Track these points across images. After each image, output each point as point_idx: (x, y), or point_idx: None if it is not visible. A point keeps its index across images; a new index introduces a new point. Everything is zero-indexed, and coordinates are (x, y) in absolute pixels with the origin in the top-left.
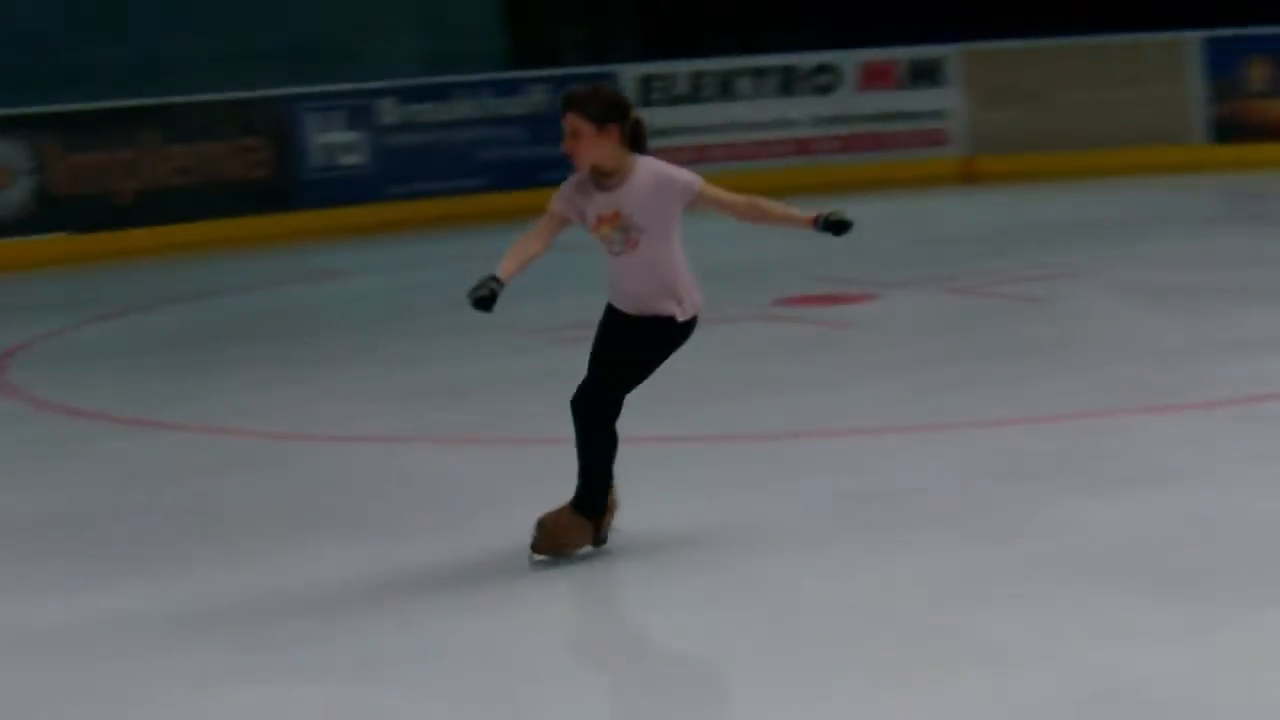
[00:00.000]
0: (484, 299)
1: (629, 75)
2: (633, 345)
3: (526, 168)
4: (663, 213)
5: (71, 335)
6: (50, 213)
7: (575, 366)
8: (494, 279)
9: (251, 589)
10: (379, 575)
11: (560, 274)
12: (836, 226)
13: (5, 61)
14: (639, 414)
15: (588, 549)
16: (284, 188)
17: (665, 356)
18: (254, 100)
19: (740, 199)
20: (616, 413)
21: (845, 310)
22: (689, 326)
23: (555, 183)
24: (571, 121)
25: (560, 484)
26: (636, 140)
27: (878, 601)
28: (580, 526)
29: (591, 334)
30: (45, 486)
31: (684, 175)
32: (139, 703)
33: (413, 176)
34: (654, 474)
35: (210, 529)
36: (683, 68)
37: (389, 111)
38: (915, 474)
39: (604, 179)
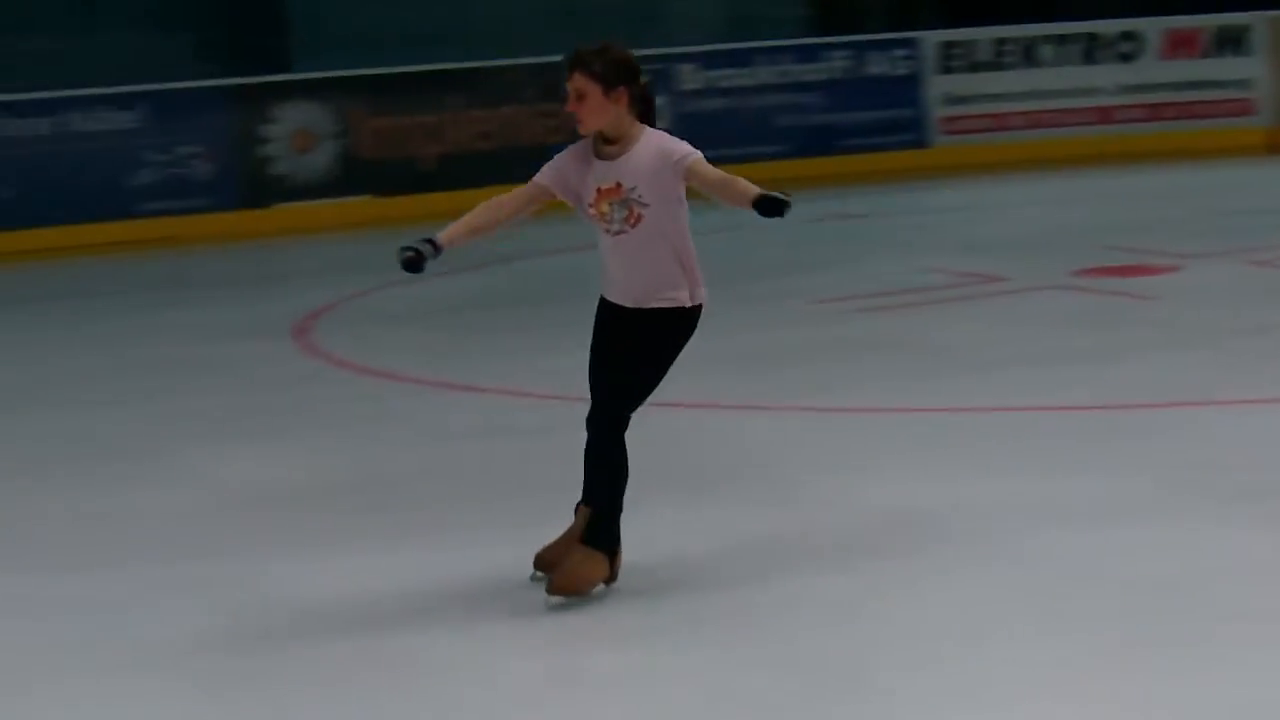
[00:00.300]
0: (411, 260)
1: (930, 42)
2: (640, 352)
3: (826, 135)
4: (664, 188)
5: (374, 298)
6: (354, 176)
7: (872, 336)
8: (429, 241)
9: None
10: (682, 540)
11: (857, 241)
12: (768, 205)
13: (312, 26)
14: (947, 386)
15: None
16: None
17: (677, 354)
18: (556, 65)
19: (722, 177)
20: (625, 429)
21: (1147, 282)
22: (696, 314)
23: (855, 150)
24: (577, 82)
25: (864, 453)
26: (645, 108)
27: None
28: (596, 562)
29: (887, 304)
30: (352, 446)
31: (681, 147)
32: (476, 669)
33: (712, 142)
34: (979, 444)
35: (526, 489)
36: (984, 34)
37: (689, 77)
38: (1244, 447)
39: (606, 147)
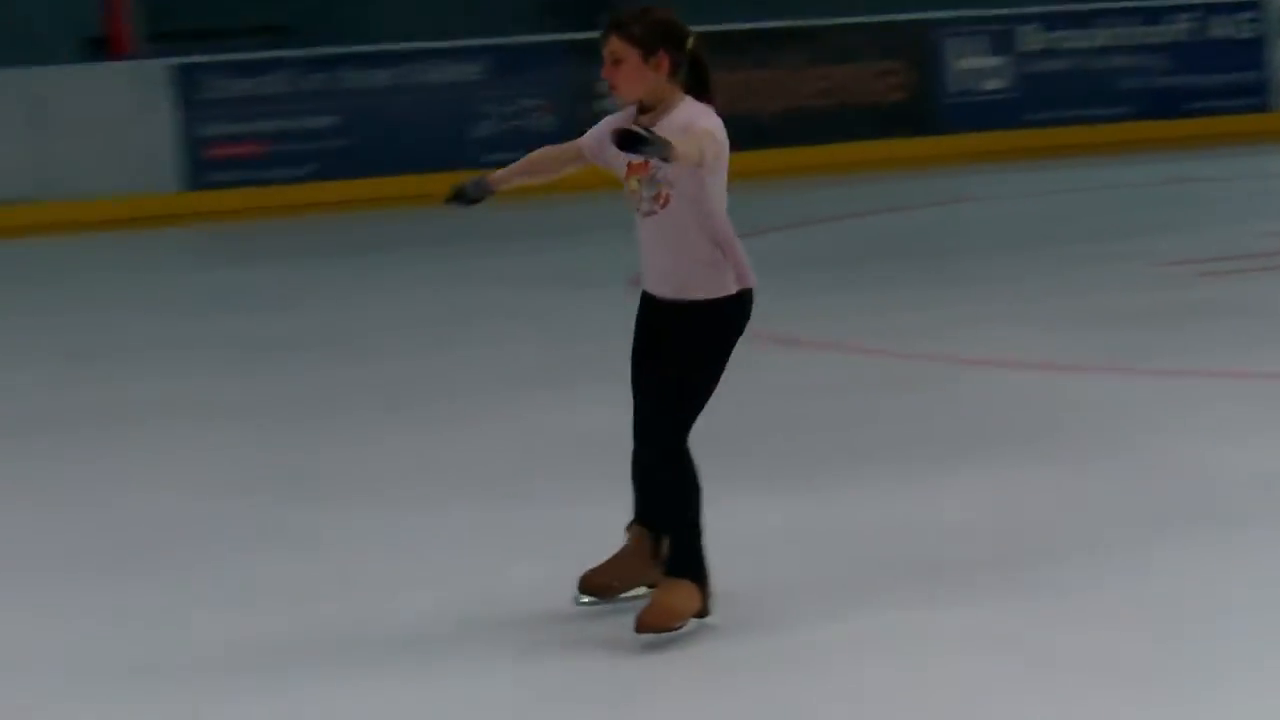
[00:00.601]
0: (461, 192)
1: (1276, 5)
2: (686, 354)
3: (1170, 97)
4: (695, 172)
5: None
6: None
7: (1215, 300)
8: (484, 180)
9: (927, 507)
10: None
11: (1199, 205)
12: (625, 138)
13: None
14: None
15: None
16: (923, 112)
17: (728, 349)
18: (896, 24)
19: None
20: (684, 442)
21: None
22: (745, 301)
23: (1197, 114)
24: (614, 46)
25: (1215, 417)
26: (696, 77)
27: None
28: (686, 593)
29: (1229, 269)
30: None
31: (700, 121)
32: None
33: (1054, 103)
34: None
35: (878, 447)
36: None
37: (1031, 38)
38: None
39: (641, 117)
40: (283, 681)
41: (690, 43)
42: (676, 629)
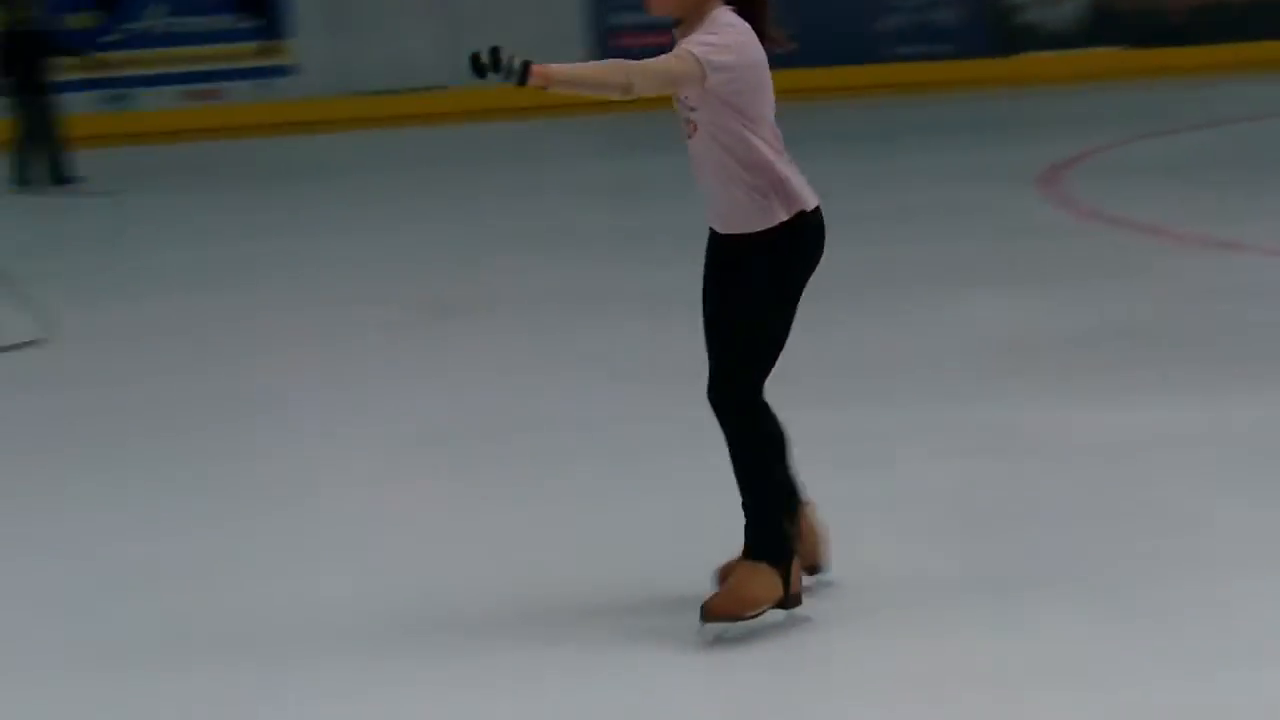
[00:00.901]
0: (473, 61)
1: None
2: (739, 296)
3: None
4: (701, 91)
5: (1122, 150)
6: (1105, 27)
7: None
8: (522, 63)
9: None
10: None
11: None
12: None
13: None
14: None
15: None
16: None
17: (793, 285)
18: None
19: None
20: (757, 398)
21: None
22: (801, 229)
23: None
24: None
25: None
26: None
27: None
28: (763, 579)
29: None
30: (1100, 297)
31: (695, 42)
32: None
33: None
34: None
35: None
36: None
37: None
38: None
39: (675, 31)
40: None
41: None
42: (748, 618)
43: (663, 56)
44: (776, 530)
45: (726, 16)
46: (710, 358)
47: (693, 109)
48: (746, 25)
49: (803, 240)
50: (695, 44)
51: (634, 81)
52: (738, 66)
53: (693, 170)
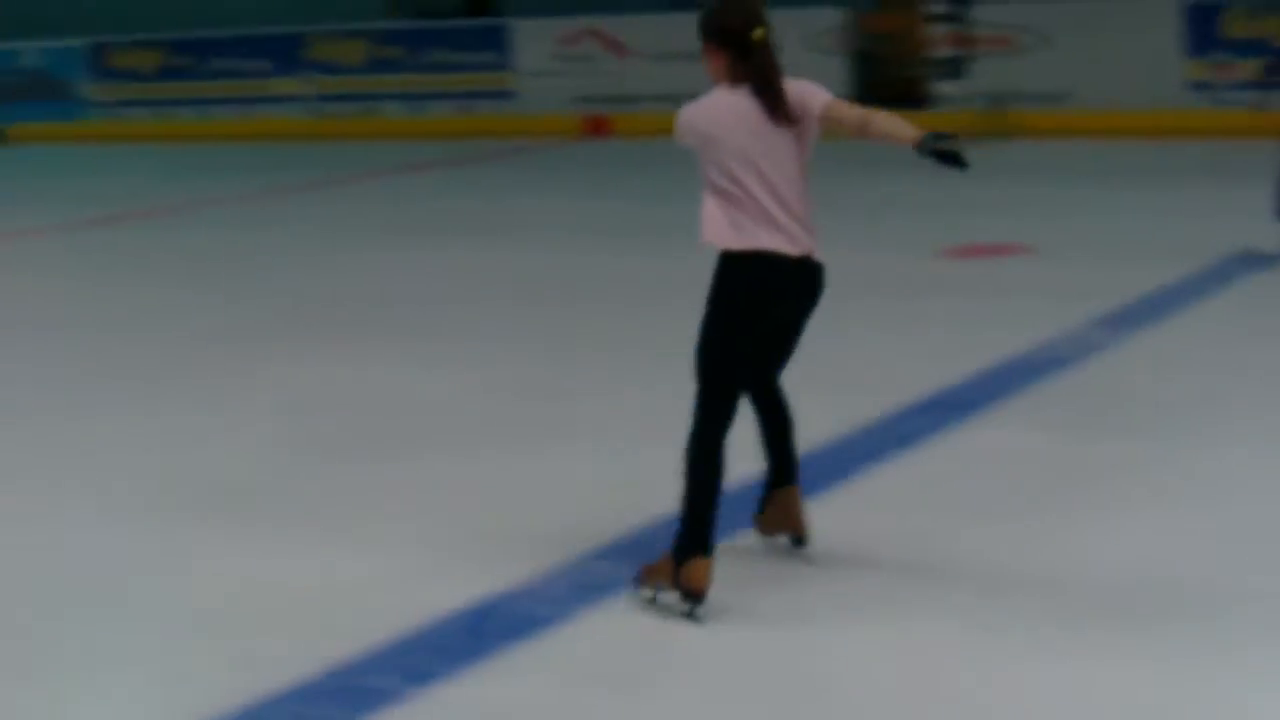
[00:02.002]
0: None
1: None
2: (707, 305)
3: None
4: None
5: None
6: None
7: None
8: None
9: None
10: None
11: None
12: (944, 155)
13: None
14: None
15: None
16: None
17: (735, 311)
18: None
19: None
20: (713, 411)
21: None
22: (746, 261)
23: None
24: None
25: None
26: (755, 73)
27: None
28: (661, 566)
29: None
30: None
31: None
32: None
33: None
34: None
35: None
36: None
37: None
38: None
39: None
40: None
41: (756, 34)
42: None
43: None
44: (688, 531)
45: (715, 93)
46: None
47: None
48: (728, 101)
49: (742, 273)
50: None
51: None
52: (679, 130)
53: None
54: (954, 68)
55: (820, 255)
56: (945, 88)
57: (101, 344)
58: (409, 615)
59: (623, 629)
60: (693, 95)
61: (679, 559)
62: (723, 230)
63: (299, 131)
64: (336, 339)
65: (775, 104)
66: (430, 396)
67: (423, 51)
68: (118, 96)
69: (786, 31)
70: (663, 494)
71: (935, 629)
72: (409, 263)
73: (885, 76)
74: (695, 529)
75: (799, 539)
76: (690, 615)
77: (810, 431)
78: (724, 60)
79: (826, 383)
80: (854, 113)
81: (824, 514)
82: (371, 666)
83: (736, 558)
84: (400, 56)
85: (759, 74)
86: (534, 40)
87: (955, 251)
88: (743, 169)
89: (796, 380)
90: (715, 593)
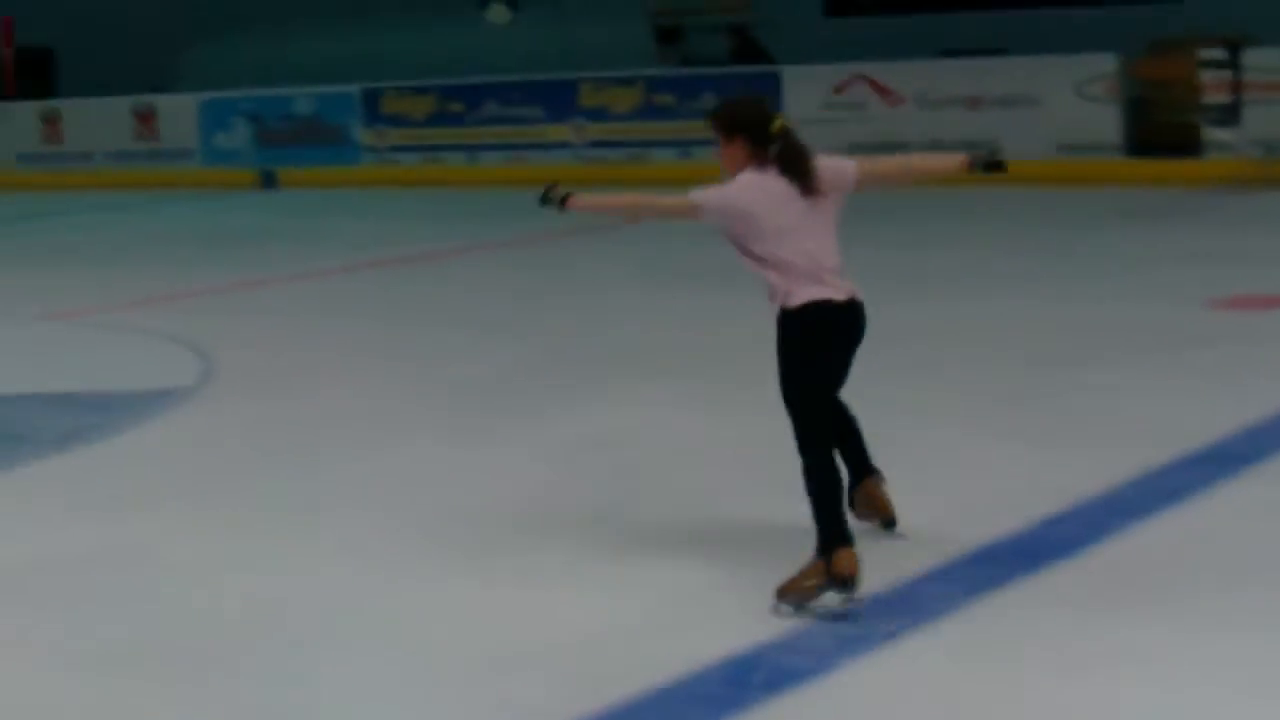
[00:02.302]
0: (547, 199)
1: None
2: (779, 360)
3: None
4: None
5: None
6: None
7: None
8: (565, 197)
9: None
10: None
11: None
12: (993, 166)
13: None
14: None
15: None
16: None
17: (805, 356)
18: None
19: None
20: (813, 442)
21: None
22: (802, 315)
23: None
24: (715, 134)
25: None
26: (784, 157)
27: None
28: (811, 570)
29: None
30: None
31: (709, 187)
32: None
33: None
34: None
35: None
36: None
37: None
38: None
39: None
40: None
41: (776, 125)
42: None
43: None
44: (822, 532)
45: (743, 176)
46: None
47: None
48: (760, 183)
49: (801, 326)
50: (699, 190)
51: (640, 212)
52: (718, 210)
53: None
54: (1228, 114)
55: (861, 296)
56: (1219, 135)
57: (389, 383)
58: (669, 664)
59: (884, 682)
60: (967, 142)
61: (827, 552)
62: (777, 294)
63: (567, 177)
64: (609, 381)
65: (807, 181)
66: (708, 441)
67: (693, 98)
68: (389, 142)
69: (1059, 79)
70: (930, 550)
71: (1208, 691)
72: (670, 307)
73: (1158, 123)
74: (831, 524)
75: (888, 522)
76: (848, 602)
77: (1076, 485)
78: (744, 150)
79: (1092, 435)
80: (892, 164)
81: (1091, 569)
82: (629, 715)
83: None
84: (670, 104)
85: (788, 157)
86: (804, 87)
87: (1224, 302)
88: (782, 240)
89: (1060, 431)
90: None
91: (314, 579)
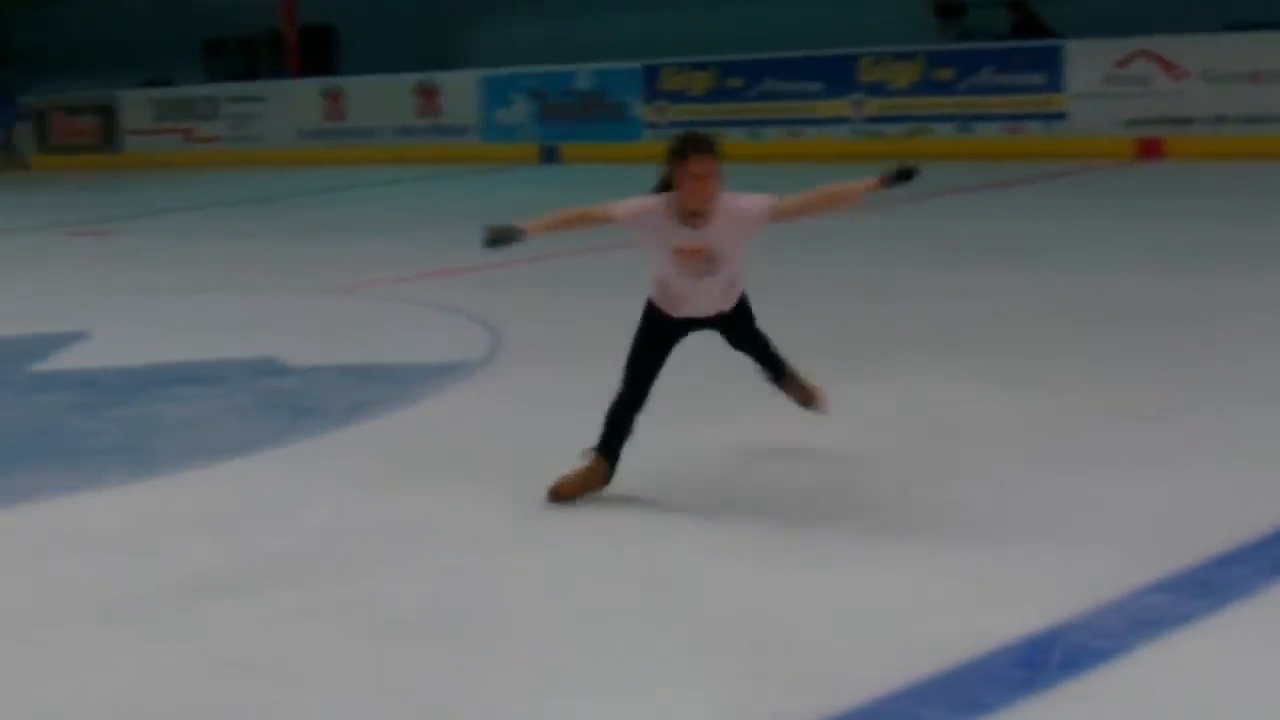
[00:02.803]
0: (499, 238)
1: None
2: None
3: None
4: (744, 239)
5: None
6: None
7: None
8: (517, 229)
9: None
10: None
11: None
12: (903, 176)
13: None
14: None
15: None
16: None
17: (643, 339)
18: None
19: (813, 195)
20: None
21: None
22: (652, 311)
23: None
24: (712, 165)
25: None
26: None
27: None
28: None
29: None
30: None
31: (755, 202)
32: None
33: None
34: None
35: None
36: None
37: None
38: None
39: (694, 218)
40: None
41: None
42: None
43: (792, 199)
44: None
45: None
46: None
47: (727, 259)
48: (651, 201)
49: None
50: (764, 199)
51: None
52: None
53: (690, 290)
54: None
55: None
56: None
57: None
58: (959, 645)
59: (1183, 665)
60: (1251, 117)
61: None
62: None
63: (846, 152)
64: (898, 356)
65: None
66: (996, 416)
67: (973, 73)
68: (668, 117)
69: None
70: (1228, 526)
71: None
72: (958, 283)
73: None
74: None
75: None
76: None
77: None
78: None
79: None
80: (801, 198)
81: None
82: (917, 696)
83: None
84: (950, 78)
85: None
86: (1087, 61)
87: None
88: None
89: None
90: None
91: (601, 552)
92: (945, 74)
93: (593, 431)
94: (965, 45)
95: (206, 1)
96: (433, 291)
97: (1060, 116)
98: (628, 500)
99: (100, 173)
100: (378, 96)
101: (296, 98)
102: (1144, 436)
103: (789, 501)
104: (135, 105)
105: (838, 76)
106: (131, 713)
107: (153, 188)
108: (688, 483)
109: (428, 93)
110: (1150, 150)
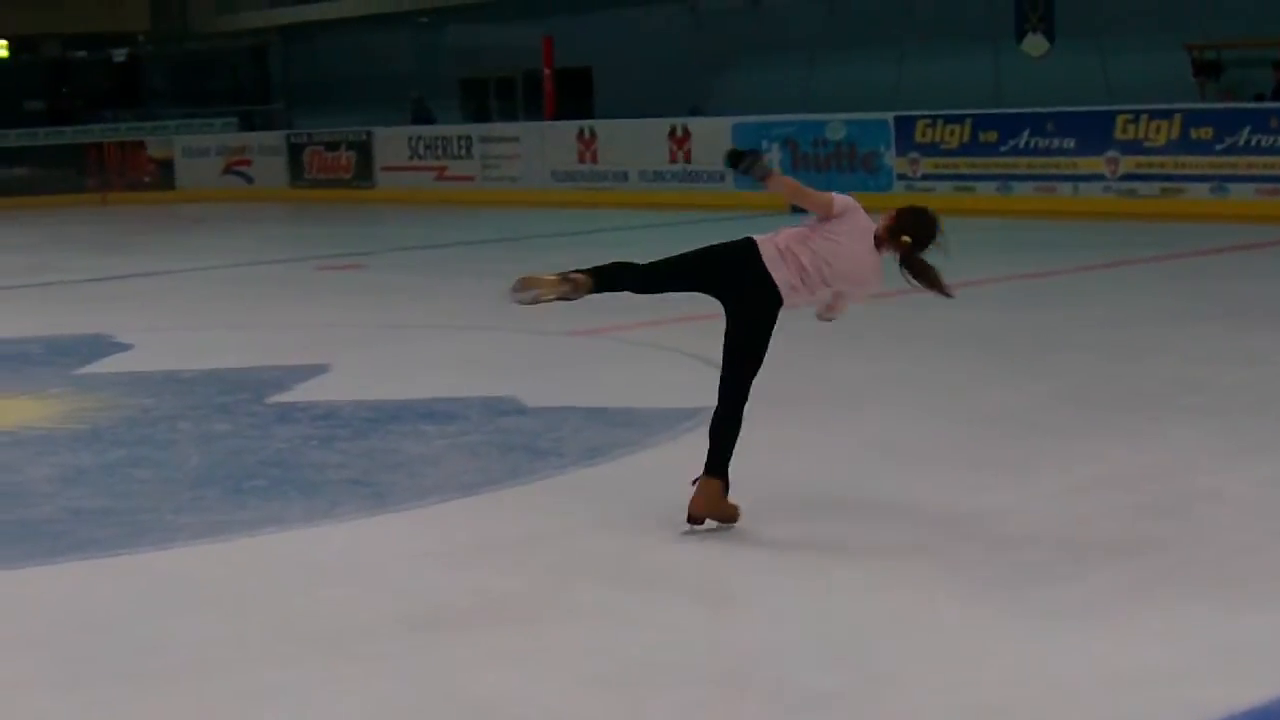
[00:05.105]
0: (739, 160)
1: None
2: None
3: None
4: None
5: None
6: None
7: None
8: (759, 156)
9: None
10: None
11: None
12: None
13: None
14: None
15: None
16: None
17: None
18: None
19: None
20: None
21: None
22: None
23: None
24: None
25: None
26: None
27: None
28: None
29: None
30: None
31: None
32: None
33: None
34: None
35: None
36: None
37: None
38: None
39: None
40: None
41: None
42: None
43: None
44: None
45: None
46: None
47: None
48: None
49: None
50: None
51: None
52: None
53: None
54: None
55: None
56: None
57: (917, 411)
58: (1194, 713)
59: None
60: None
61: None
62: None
63: (1099, 210)
64: (1125, 419)
65: None
66: (1235, 482)
67: (1231, 133)
68: (921, 169)
69: None
70: None
71: None
72: (1202, 346)
73: None
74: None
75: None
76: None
77: None
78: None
79: None
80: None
81: None
82: None
83: None
84: (1207, 138)
85: None
86: None
87: None
88: None
89: None
90: None
91: (847, 598)
92: (1203, 133)
93: (826, 479)
94: (1224, 105)
95: (465, 42)
96: (676, 337)
97: None
98: (849, 549)
99: (352, 206)
100: (630, 140)
101: (551, 140)
102: None
103: (1021, 554)
104: (390, 141)
105: (1093, 133)
106: None
107: (404, 224)
108: (926, 532)
109: (679, 138)
110: None
